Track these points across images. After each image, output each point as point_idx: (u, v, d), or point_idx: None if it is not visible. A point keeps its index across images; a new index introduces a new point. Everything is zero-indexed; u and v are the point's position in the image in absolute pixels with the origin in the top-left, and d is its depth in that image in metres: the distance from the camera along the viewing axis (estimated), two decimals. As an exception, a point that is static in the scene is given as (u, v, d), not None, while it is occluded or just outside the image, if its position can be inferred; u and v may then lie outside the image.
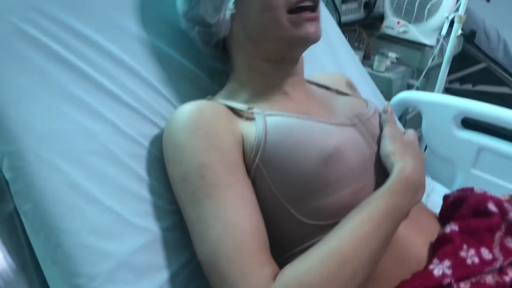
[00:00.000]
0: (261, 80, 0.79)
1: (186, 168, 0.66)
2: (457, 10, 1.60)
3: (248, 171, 0.69)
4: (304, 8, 0.73)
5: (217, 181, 0.65)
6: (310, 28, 0.73)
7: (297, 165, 0.67)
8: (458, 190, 0.78)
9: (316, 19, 0.74)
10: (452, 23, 1.64)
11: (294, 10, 0.72)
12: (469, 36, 1.59)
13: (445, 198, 0.78)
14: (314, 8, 0.74)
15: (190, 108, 0.71)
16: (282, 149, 0.68)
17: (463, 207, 0.71)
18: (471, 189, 0.77)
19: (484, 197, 0.71)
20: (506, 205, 0.71)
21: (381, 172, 0.74)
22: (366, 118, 0.80)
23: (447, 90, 2.79)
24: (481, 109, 1.20)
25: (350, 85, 0.99)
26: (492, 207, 0.70)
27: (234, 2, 0.73)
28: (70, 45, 0.75)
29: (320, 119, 0.75)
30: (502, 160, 1.19)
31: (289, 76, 0.80)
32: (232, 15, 0.75)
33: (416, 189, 0.69)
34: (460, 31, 1.61)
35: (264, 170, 0.68)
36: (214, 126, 0.68)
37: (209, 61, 0.91)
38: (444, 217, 0.75)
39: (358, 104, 0.86)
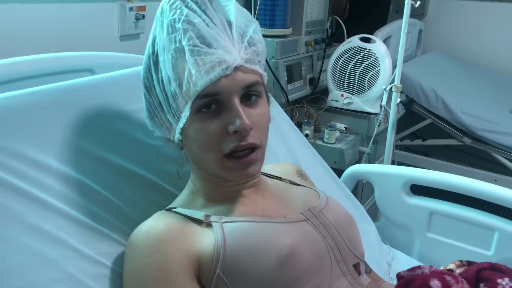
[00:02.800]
0: (214, 189, 0.83)
1: None
2: (393, 81, 1.73)
3: (210, 282, 0.71)
4: (241, 153, 0.75)
5: None
6: (241, 172, 0.77)
7: (257, 269, 0.70)
8: (408, 270, 0.82)
9: (250, 164, 0.76)
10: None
11: (230, 154, 0.75)
12: (407, 104, 1.71)
13: (398, 277, 0.82)
14: (252, 151, 0.76)
15: (144, 230, 0.74)
16: (241, 256, 0.71)
17: None
18: (419, 267, 0.81)
19: (426, 277, 0.75)
20: (449, 278, 0.75)
21: (337, 263, 0.78)
22: (318, 211, 0.85)
23: (400, 147, 2.92)
24: (426, 176, 1.28)
25: (301, 173, 1.05)
26: (434, 284, 0.74)
27: (180, 133, 0.78)
28: (25, 173, 0.77)
29: (276, 219, 0.79)
30: (452, 221, 1.26)
31: (242, 184, 0.84)
32: (181, 140, 0.80)
33: None
34: (398, 100, 1.73)
35: (225, 279, 0.71)
36: (166, 250, 0.71)
37: (168, 166, 0.96)
38: None
39: (310, 196, 0.91)
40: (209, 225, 0.76)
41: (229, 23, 0.75)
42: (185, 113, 0.74)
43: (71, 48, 1.33)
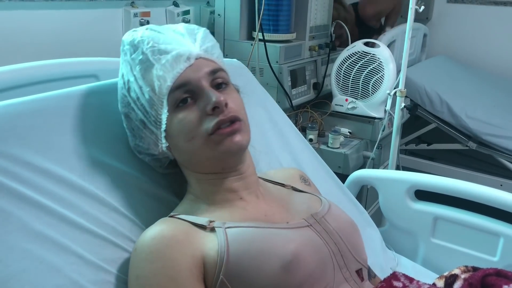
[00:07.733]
0: (213, 190, 0.84)
1: None
2: (397, 85, 1.72)
3: (213, 287, 0.71)
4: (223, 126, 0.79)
5: None
6: (230, 142, 0.79)
7: (260, 275, 0.70)
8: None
9: (236, 131, 0.80)
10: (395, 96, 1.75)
11: (214, 132, 0.79)
12: (412, 108, 1.70)
13: None
14: (232, 123, 0.80)
15: (150, 236, 0.74)
16: (244, 261, 0.71)
17: None
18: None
19: None
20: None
21: (339, 269, 0.78)
22: (321, 217, 0.85)
23: (405, 152, 2.91)
24: (431, 181, 1.28)
25: (304, 178, 1.04)
26: None
27: (165, 137, 0.83)
28: (29, 180, 0.77)
29: (279, 224, 0.79)
30: (457, 227, 1.25)
31: (238, 181, 0.85)
32: (168, 146, 0.83)
33: None
34: (403, 104, 1.72)
35: (228, 284, 0.71)
36: (172, 255, 0.72)
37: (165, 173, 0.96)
38: None
39: (313, 202, 0.91)
40: (213, 230, 0.76)
41: (182, 35, 0.86)
42: (164, 112, 0.80)
43: (76, 54, 1.33)
